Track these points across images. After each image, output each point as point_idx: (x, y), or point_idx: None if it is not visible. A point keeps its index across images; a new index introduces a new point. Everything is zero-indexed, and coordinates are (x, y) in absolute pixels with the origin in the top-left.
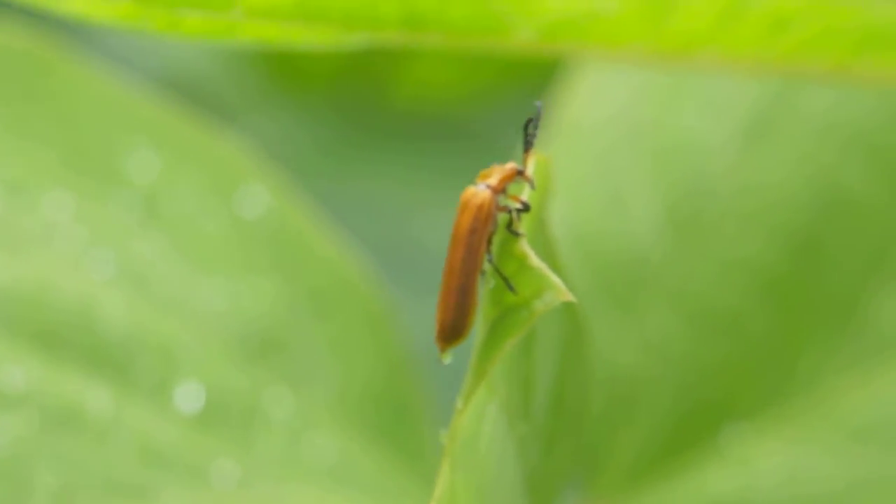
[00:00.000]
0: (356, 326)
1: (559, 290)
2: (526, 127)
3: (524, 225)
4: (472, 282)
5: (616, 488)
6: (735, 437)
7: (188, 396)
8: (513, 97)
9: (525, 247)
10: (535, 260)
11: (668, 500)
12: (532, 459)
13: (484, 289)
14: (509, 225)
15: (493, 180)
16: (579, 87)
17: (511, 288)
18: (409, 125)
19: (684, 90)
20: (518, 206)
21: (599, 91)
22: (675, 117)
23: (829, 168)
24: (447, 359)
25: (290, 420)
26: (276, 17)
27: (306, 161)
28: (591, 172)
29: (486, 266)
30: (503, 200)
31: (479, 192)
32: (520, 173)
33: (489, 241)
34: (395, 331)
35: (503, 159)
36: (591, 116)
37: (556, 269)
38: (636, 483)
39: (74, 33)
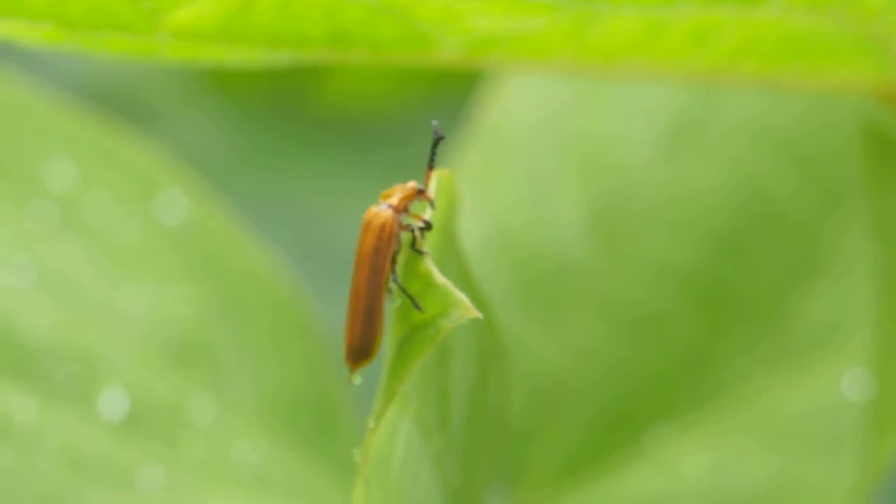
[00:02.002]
0: (278, 331)
1: (465, 308)
2: (434, 145)
3: (428, 243)
4: (378, 302)
5: (541, 490)
6: (659, 438)
7: (112, 403)
8: (435, 106)
9: (430, 265)
10: (440, 278)
11: (593, 502)
12: (450, 471)
13: (391, 308)
14: (413, 244)
15: (395, 199)
16: (502, 92)
17: (417, 306)
18: (332, 132)
19: (610, 95)
20: (421, 224)
21: (523, 96)
22: (601, 122)
23: (754, 174)
24: (357, 379)
25: (214, 425)
26: (201, 38)
27: (228, 167)
28: (514, 171)
29: (392, 285)
30: (406, 219)
31: (380, 211)
32: (420, 192)
33: (393, 261)
34: (318, 335)
35: (422, 167)
36: (515, 121)
37: (467, 284)
38: (561, 485)
39: None
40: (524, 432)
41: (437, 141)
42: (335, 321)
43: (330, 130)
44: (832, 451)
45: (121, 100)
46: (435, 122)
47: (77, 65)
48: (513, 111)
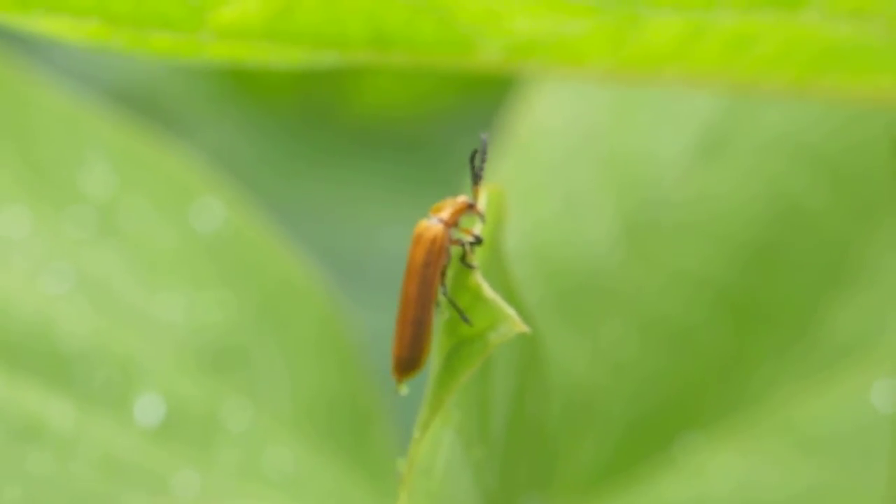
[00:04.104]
0: (313, 338)
1: (513, 322)
2: (472, 159)
3: (478, 257)
4: (427, 314)
5: (573, 499)
6: (689, 447)
7: (148, 409)
8: (467, 113)
9: (479, 279)
10: (489, 292)
11: None
12: (489, 479)
13: (439, 320)
14: (463, 257)
15: (446, 214)
16: (534, 101)
17: (466, 320)
18: (365, 139)
19: (639, 103)
20: (471, 239)
21: (555, 104)
22: (629, 128)
23: (781, 180)
24: (404, 390)
25: (248, 431)
26: (245, 38)
27: (261, 174)
28: (547, 184)
29: (441, 298)
30: (456, 233)
31: (431, 225)
32: (471, 207)
33: (443, 274)
34: (352, 342)
35: (455, 171)
36: (546, 129)
37: (512, 298)
38: (592, 493)
39: (27, 48)
40: (556, 441)
41: (483, 156)
42: (363, 328)
43: (355, 140)
44: (863, 462)
45: (149, 107)
46: (484, 136)
47: (105, 71)
48: (543, 125)
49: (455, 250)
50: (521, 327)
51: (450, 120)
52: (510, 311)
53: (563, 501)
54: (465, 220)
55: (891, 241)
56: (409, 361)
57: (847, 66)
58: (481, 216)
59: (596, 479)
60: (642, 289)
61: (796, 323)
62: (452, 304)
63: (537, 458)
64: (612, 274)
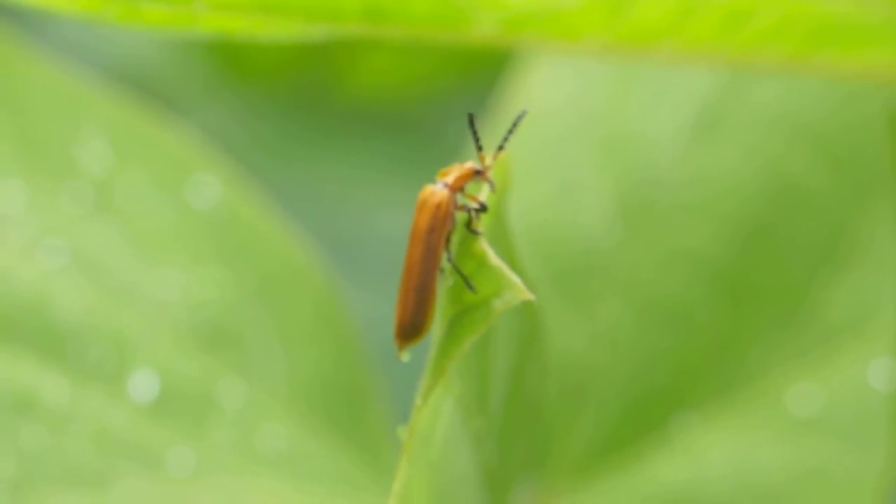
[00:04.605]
0: (308, 316)
1: (518, 289)
2: (471, 122)
3: (483, 223)
4: (430, 280)
5: (568, 478)
6: (684, 426)
7: (142, 385)
8: (463, 95)
9: (484, 245)
10: (494, 258)
11: (619, 489)
12: (488, 452)
13: (443, 287)
14: (468, 224)
15: (451, 179)
16: (530, 77)
17: (470, 286)
18: (360, 117)
19: (635, 81)
20: (476, 205)
21: (551, 81)
22: (626, 108)
23: (778, 159)
24: (405, 357)
25: (243, 409)
26: (238, 10)
27: (257, 152)
28: (543, 162)
29: (445, 264)
30: (461, 199)
31: (436, 191)
32: (478, 173)
33: (448, 240)
34: (347, 321)
35: (451, 152)
36: (542, 106)
37: (516, 266)
38: (588, 472)
39: (25, 24)
40: (552, 419)
41: (513, 128)
42: (360, 308)
43: (350, 121)
44: (859, 441)
45: (146, 84)
46: (520, 113)
47: (102, 48)
48: (540, 105)
49: (460, 216)
50: (526, 294)
51: (445, 101)
52: (515, 279)
53: (558, 480)
54: (470, 187)
55: (886, 219)
56: (411, 328)
57: (843, 42)
58: (491, 183)
59: (592, 458)
60: (640, 269)
61: (792, 301)
62: (457, 270)
63: (534, 436)
64: (609, 254)
